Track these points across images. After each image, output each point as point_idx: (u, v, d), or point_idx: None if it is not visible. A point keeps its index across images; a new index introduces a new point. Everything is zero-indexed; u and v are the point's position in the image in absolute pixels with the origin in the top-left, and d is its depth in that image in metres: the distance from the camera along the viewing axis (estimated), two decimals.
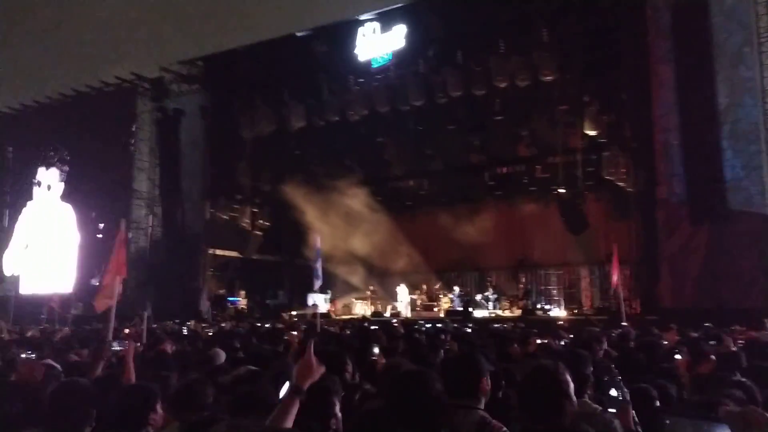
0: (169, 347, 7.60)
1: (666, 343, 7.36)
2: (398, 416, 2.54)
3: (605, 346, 6.50)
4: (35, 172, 28.06)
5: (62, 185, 27.40)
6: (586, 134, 18.31)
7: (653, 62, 16.18)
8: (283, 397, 2.67)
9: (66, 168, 27.29)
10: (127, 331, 11.59)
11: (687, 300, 15.26)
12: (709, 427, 2.70)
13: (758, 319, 10.08)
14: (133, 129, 25.41)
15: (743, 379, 3.58)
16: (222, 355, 5.63)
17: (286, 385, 2.79)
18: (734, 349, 5.99)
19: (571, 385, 2.81)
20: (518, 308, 20.07)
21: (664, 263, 15.75)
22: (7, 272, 26.99)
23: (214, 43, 23.70)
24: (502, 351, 6.08)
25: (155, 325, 14.19)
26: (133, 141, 25.40)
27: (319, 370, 2.78)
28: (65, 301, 22.32)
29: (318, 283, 12.97)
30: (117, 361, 5.19)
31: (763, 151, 15.35)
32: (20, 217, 28.26)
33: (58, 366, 5.01)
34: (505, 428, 2.99)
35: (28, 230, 27.69)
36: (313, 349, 2.84)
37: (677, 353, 5.75)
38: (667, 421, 2.77)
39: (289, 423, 2.57)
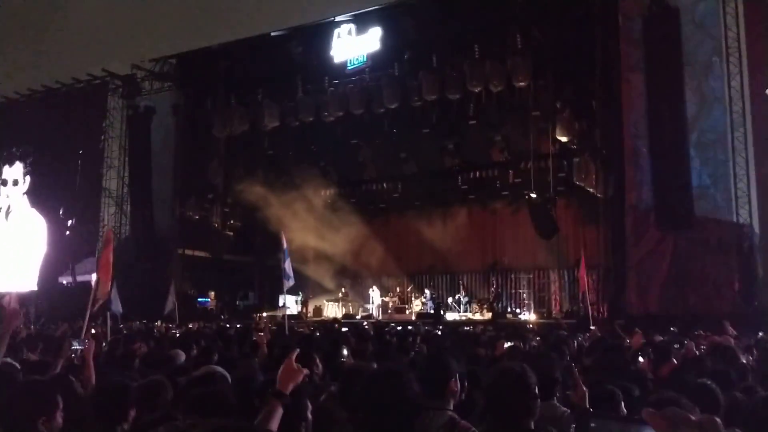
0: (139, 347, 7.50)
1: (631, 346, 7.46)
2: (374, 418, 2.50)
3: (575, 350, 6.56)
4: (0, 171, 27.49)
5: (28, 178, 26.87)
6: (558, 140, 18.54)
7: (624, 70, 16.41)
8: (267, 403, 2.64)
9: (30, 160, 26.76)
10: (93, 330, 11.36)
11: (653, 305, 15.48)
12: (636, 428, 2.55)
13: (721, 324, 10.25)
14: (104, 126, 25.01)
15: (707, 381, 3.62)
16: (182, 356, 5.54)
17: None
18: (698, 353, 6.08)
19: (537, 387, 2.82)
20: (489, 311, 20.18)
21: (632, 269, 15.96)
22: None
23: (187, 41, 23.43)
24: (470, 353, 6.09)
25: (122, 325, 13.94)
26: (103, 138, 25.00)
27: (301, 374, 2.77)
28: (23, 300, 21.85)
29: (288, 284, 12.75)
30: (79, 360, 5.08)
31: (730, 160, 15.66)
32: None
33: (17, 365, 4.89)
34: (473, 428, 2.99)
35: None
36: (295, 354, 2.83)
37: (641, 356, 5.83)
38: (593, 424, 2.79)
39: (273, 428, 2.54)
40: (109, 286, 8.13)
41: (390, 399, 2.50)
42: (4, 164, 27.54)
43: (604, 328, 12.76)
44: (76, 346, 5.04)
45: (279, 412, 2.60)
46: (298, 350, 2.92)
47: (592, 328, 12.37)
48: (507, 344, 7.09)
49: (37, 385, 3.28)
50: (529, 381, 2.78)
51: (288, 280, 12.42)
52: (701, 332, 9.53)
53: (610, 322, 14.08)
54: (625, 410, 3.70)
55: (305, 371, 2.79)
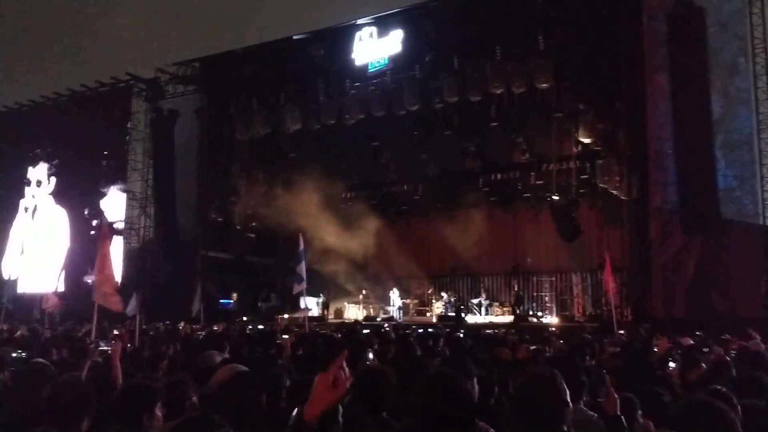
0: (166, 349, 7.59)
1: (657, 350, 7.39)
2: (433, 422, 2.49)
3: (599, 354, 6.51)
4: (26, 171, 27.99)
5: (54, 179, 27.31)
6: (581, 142, 18.37)
7: (649, 71, 16.24)
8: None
9: (55, 161, 27.21)
10: (116, 332, 11.51)
11: (678, 309, 15.29)
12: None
13: (746, 329, 10.12)
14: (128, 129, 25.35)
15: (720, 388, 3.57)
16: (218, 358, 5.59)
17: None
18: (727, 358, 6.00)
19: (568, 393, 2.80)
20: (510, 314, 20.07)
21: (656, 272, 15.78)
22: (5, 275, 26.88)
23: (211, 45, 23.70)
24: (492, 356, 6.07)
25: (145, 326, 14.10)
26: (127, 140, 25.33)
27: (339, 394, 2.24)
28: (51, 298, 22.20)
29: (298, 287, 12.65)
30: (103, 361, 5.15)
31: (756, 162, 15.44)
32: (14, 222, 28.12)
33: (51, 365, 4.97)
34: (492, 430, 2.98)
35: (24, 234, 27.57)
36: (344, 360, 2.30)
37: (671, 361, 5.76)
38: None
39: None
40: (114, 281, 8.06)
41: (450, 404, 2.50)
42: (28, 165, 28.04)
43: (630, 331, 12.64)
44: (102, 347, 5.12)
45: None
46: (344, 356, 2.36)
47: (620, 332, 12.26)
48: (530, 348, 7.06)
49: (139, 384, 3.44)
50: (560, 387, 2.75)
51: (299, 283, 12.36)
52: (728, 337, 9.40)
53: (635, 326, 13.95)
54: (641, 419, 3.69)
55: (348, 381, 2.28)
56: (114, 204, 25.70)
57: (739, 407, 3.26)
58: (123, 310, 7.86)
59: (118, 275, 8.17)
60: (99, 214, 25.18)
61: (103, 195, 25.84)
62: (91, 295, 8.41)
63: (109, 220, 24.94)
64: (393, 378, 3.24)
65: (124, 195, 25.25)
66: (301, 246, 12.67)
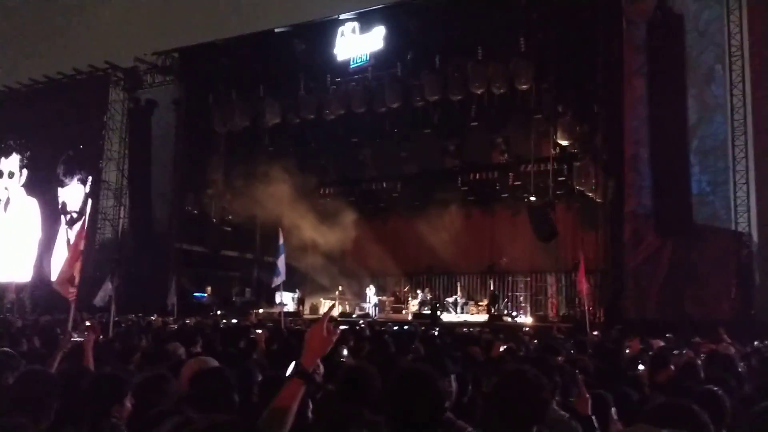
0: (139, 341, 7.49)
1: (628, 351, 7.47)
2: (403, 417, 2.47)
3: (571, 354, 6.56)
4: None
5: (25, 171, 26.85)
6: (559, 144, 18.54)
7: (627, 75, 16.41)
8: (287, 381, 2.27)
9: (27, 153, 26.74)
10: (87, 323, 11.34)
11: (650, 310, 15.50)
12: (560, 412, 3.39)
13: (717, 331, 10.27)
14: (105, 119, 24.99)
15: (711, 387, 3.61)
16: (181, 350, 5.54)
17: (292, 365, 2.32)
18: (697, 360, 6.08)
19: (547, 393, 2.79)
20: (485, 313, 20.18)
21: (629, 274, 15.97)
22: None
23: (191, 35, 23.40)
24: (466, 354, 6.08)
25: (117, 318, 13.91)
26: (103, 131, 24.97)
27: (331, 341, 2.33)
28: (21, 288, 21.88)
29: (277, 281, 12.66)
30: (74, 351, 5.07)
31: (730, 168, 15.69)
32: None
33: (17, 355, 4.88)
34: (471, 429, 2.98)
35: None
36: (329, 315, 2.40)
37: (640, 363, 5.83)
38: None
39: (291, 412, 2.19)
40: (76, 274, 7.94)
41: (421, 399, 2.49)
42: (0, 156, 27.51)
43: (602, 332, 12.78)
44: (74, 337, 5.03)
45: (302, 391, 2.23)
46: (332, 305, 2.64)
47: (595, 333, 12.38)
48: (503, 347, 7.09)
49: (109, 375, 3.39)
50: (541, 385, 2.72)
51: (278, 276, 12.36)
52: (699, 340, 9.54)
53: (607, 327, 14.10)
54: (615, 416, 3.72)
55: (336, 334, 2.36)
56: (73, 193, 25.32)
57: (728, 408, 3.30)
58: (72, 299, 7.69)
59: (77, 266, 7.96)
60: (62, 204, 24.91)
61: (64, 184, 25.42)
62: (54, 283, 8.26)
63: (69, 209, 24.68)
64: (377, 377, 3.22)
65: (83, 186, 24.87)
66: (281, 240, 12.64)
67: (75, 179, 25.29)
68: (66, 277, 7.76)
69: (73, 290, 7.95)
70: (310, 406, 3.01)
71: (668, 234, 15.73)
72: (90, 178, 24.92)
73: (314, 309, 22.33)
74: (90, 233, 20.21)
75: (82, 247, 8.09)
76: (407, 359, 5.46)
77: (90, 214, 23.68)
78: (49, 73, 25.95)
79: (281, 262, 12.41)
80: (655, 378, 5.31)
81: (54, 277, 8.34)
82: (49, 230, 25.46)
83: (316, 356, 2.32)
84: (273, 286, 13.07)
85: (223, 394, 3.10)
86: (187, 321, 14.34)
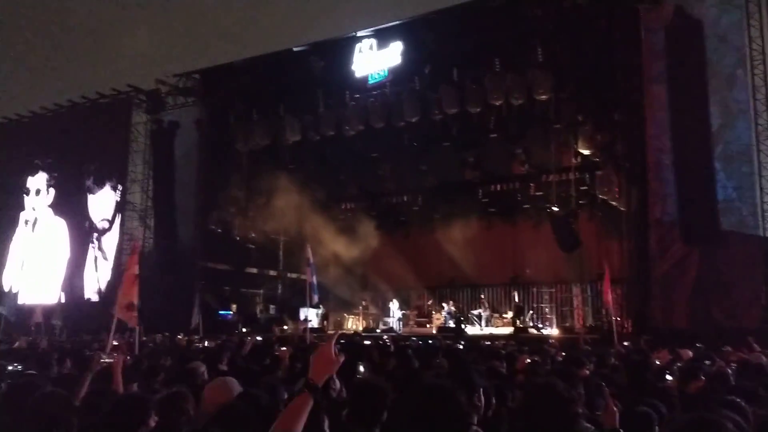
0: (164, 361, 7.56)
1: (658, 362, 7.35)
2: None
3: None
4: (25, 180, 28.03)
5: (52, 191, 27.34)
6: (580, 153, 18.42)
7: (647, 82, 16.28)
8: (295, 396, 2.38)
9: (55, 174, 27.24)
10: (115, 342, 11.48)
11: (678, 320, 15.25)
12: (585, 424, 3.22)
13: (746, 340, 10.08)
14: (129, 140, 25.40)
15: (735, 398, 3.55)
16: (203, 368, 5.58)
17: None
18: (727, 369, 5.98)
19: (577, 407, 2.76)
20: (511, 326, 20.02)
21: (656, 283, 15.74)
22: (6, 288, 26.88)
23: (210, 57, 23.81)
24: (489, 368, 6.04)
25: (144, 338, 14.06)
26: (127, 153, 25.38)
27: (338, 363, 2.47)
28: (48, 312, 22.22)
29: (316, 298, 12.72)
30: (104, 372, 5.13)
31: (755, 173, 15.45)
32: (14, 235, 28.11)
33: (43, 377, 4.96)
34: None
35: (24, 247, 27.60)
36: (335, 340, 2.53)
37: (668, 373, 5.74)
38: None
39: (300, 425, 2.27)
40: (135, 299, 8.18)
41: (442, 415, 2.48)
42: (27, 175, 28.07)
43: (630, 343, 12.61)
44: (104, 359, 5.10)
45: (307, 407, 2.32)
46: (338, 334, 2.70)
47: (625, 344, 12.22)
48: (528, 359, 7.03)
49: (133, 396, 3.55)
50: (572, 400, 2.70)
51: (315, 294, 12.36)
52: (729, 348, 9.36)
53: (635, 337, 13.91)
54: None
55: (341, 359, 2.48)
56: (102, 204, 25.69)
57: (751, 417, 3.24)
58: (137, 325, 7.95)
59: (134, 291, 8.20)
60: (89, 223, 25.29)
61: (94, 190, 25.78)
62: (113, 307, 8.46)
63: (94, 219, 25.02)
64: (389, 392, 3.21)
65: (113, 194, 25.23)
66: (310, 256, 12.69)
67: (107, 185, 25.63)
68: (126, 303, 7.94)
69: (134, 315, 8.16)
70: (326, 421, 3.01)
71: (694, 241, 15.49)
72: (120, 187, 25.27)
73: (338, 325, 22.36)
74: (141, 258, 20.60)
75: (137, 271, 8.30)
76: (431, 374, 5.44)
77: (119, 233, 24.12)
78: (72, 98, 26.49)
79: (315, 280, 12.45)
80: (686, 389, 5.23)
81: (96, 297, 8.54)
82: (78, 249, 25.85)
83: (323, 373, 2.42)
84: (313, 304, 13.03)
85: (249, 420, 3.11)
86: (208, 343, 14.40)
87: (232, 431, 2.91)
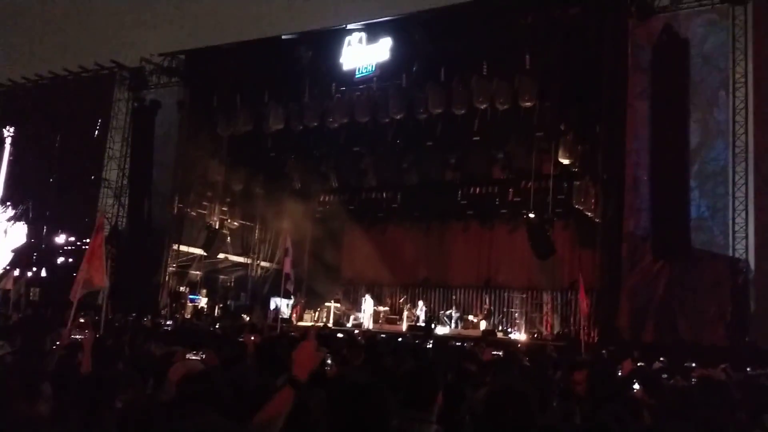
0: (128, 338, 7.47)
1: (620, 373, 7.43)
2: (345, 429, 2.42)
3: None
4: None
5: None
6: (560, 162, 18.56)
7: (630, 97, 16.49)
8: (279, 389, 2.46)
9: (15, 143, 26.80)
10: (81, 320, 11.33)
11: (645, 333, 15.47)
12: None
13: (712, 357, 10.25)
14: (108, 117, 25.02)
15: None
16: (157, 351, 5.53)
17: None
18: (691, 383, 6.07)
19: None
20: (480, 328, 20.13)
21: (625, 294, 15.96)
22: None
23: (198, 38, 23.54)
24: (458, 368, 6.05)
25: (111, 316, 13.90)
26: (106, 129, 25.00)
27: (320, 357, 2.64)
28: (22, 281, 21.75)
29: (291, 288, 12.71)
30: (71, 349, 5.08)
31: (730, 194, 15.70)
32: None
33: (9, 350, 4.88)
34: None
35: None
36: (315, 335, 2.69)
37: (635, 383, 5.80)
38: None
39: (280, 419, 2.34)
40: (103, 275, 7.99)
41: (363, 414, 2.43)
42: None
43: (592, 353, 12.75)
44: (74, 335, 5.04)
45: (289, 401, 2.40)
46: (315, 328, 2.78)
47: (603, 351, 12.33)
48: (493, 352, 7.07)
49: (102, 374, 3.55)
50: (532, 402, 2.71)
51: (292, 283, 12.36)
52: (693, 365, 9.52)
53: (598, 348, 14.08)
54: None
55: (324, 353, 2.61)
56: None
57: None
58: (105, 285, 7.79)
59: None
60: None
61: None
62: (74, 287, 8.16)
63: None
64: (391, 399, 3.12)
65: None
66: (289, 246, 12.66)
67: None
68: (84, 278, 7.76)
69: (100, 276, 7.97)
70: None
71: (665, 256, 15.73)
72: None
73: (309, 316, 22.32)
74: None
75: (101, 245, 8.15)
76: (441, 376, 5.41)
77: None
78: (54, 69, 26.03)
79: (291, 271, 12.42)
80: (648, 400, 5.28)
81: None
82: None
83: (307, 369, 2.51)
84: (289, 293, 12.99)
85: (211, 397, 3.08)
86: (174, 321, 14.28)
87: (192, 411, 2.87)
